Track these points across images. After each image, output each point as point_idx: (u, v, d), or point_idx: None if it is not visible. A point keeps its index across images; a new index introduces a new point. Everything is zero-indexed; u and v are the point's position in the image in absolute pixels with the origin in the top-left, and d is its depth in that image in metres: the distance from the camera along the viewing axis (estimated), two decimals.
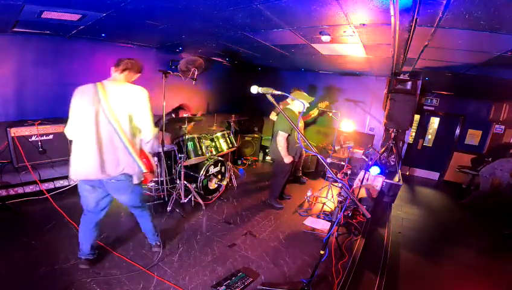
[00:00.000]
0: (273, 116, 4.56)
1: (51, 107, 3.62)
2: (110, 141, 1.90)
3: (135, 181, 2.04)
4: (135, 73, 2.11)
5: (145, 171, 2.05)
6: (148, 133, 2.01)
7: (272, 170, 3.99)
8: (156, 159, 3.70)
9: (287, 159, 3.42)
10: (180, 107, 4.43)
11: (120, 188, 2.07)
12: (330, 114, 4.50)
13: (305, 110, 3.59)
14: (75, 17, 2.60)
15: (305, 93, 3.57)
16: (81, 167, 1.92)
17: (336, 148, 4.73)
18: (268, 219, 3.48)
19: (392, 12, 1.79)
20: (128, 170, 1.98)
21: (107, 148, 1.89)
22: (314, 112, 4.47)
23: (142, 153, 2.09)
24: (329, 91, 6.35)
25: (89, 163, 1.89)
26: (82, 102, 1.88)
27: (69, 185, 3.54)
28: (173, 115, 4.39)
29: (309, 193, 4.11)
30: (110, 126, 1.87)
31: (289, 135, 3.37)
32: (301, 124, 3.63)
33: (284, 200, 4.05)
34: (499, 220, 4.28)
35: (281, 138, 3.34)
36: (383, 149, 4.98)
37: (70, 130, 1.95)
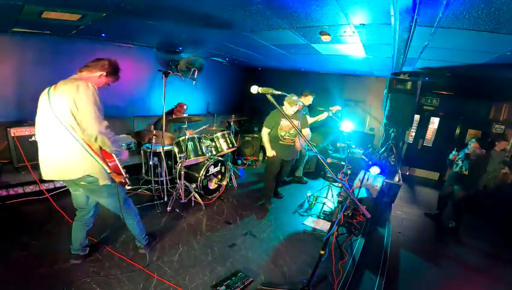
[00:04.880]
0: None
1: None
2: (64, 140, 1.82)
3: (101, 182, 1.96)
4: (98, 70, 1.96)
5: (109, 172, 1.96)
6: (91, 130, 1.81)
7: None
8: (156, 159, 3.70)
9: (269, 153, 3.49)
10: (175, 107, 4.47)
11: (93, 191, 2.04)
12: (330, 114, 4.50)
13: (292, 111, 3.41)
14: (75, 17, 2.60)
15: (293, 98, 3.33)
16: (44, 167, 1.91)
17: None
18: (268, 219, 3.48)
19: (392, 12, 1.79)
20: (91, 171, 1.90)
21: (62, 148, 1.84)
22: (324, 115, 4.42)
23: (105, 154, 1.97)
24: (330, 91, 6.35)
25: (49, 164, 1.89)
26: (39, 104, 1.89)
27: None
28: (173, 116, 4.40)
29: (309, 193, 4.11)
30: (61, 125, 1.79)
31: (271, 130, 3.49)
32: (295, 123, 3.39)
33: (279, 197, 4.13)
34: (499, 220, 4.28)
35: (263, 131, 3.53)
36: (383, 149, 4.98)
37: (36, 133, 1.93)
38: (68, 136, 1.81)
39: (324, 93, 6.24)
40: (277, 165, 3.56)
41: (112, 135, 1.92)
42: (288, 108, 3.34)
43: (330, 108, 4.32)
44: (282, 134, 3.43)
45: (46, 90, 1.88)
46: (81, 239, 2.24)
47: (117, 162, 2.03)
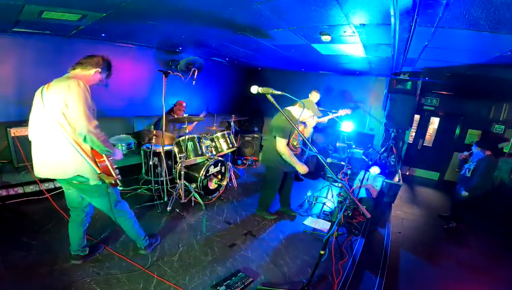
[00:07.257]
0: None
1: None
2: (55, 139, 1.81)
3: (92, 182, 1.94)
4: (92, 67, 1.96)
5: (98, 172, 1.91)
6: (80, 128, 1.78)
7: (263, 177, 3.58)
8: (156, 159, 3.70)
9: (300, 168, 2.91)
10: (174, 106, 4.48)
11: (84, 190, 2.02)
12: (330, 114, 4.50)
13: (305, 120, 3.11)
14: (75, 17, 2.60)
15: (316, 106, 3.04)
16: (37, 165, 1.90)
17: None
18: (269, 219, 3.48)
19: (392, 12, 1.79)
20: (81, 171, 1.88)
21: (53, 147, 1.83)
22: (329, 117, 4.40)
23: (96, 154, 1.93)
24: (329, 91, 6.36)
25: (41, 162, 1.88)
26: (33, 103, 1.88)
27: None
28: (174, 115, 4.40)
29: (309, 193, 4.10)
30: (52, 124, 1.78)
31: (289, 140, 2.97)
32: (308, 130, 3.20)
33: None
34: (499, 219, 4.28)
35: (281, 145, 2.87)
36: (383, 149, 4.98)
37: (29, 131, 1.91)
38: (59, 136, 1.79)
39: (324, 94, 6.24)
40: (281, 177, 3.27)
41: (103, 135, 1.88)
42: (307, 112, 2.92)
43: (339, 110, 4.37)
44: (295, 143, 3.01)
45: (40, 89, 1.87)
46: (78, 240, 2.22)
47: (107, 162, 1.98)
